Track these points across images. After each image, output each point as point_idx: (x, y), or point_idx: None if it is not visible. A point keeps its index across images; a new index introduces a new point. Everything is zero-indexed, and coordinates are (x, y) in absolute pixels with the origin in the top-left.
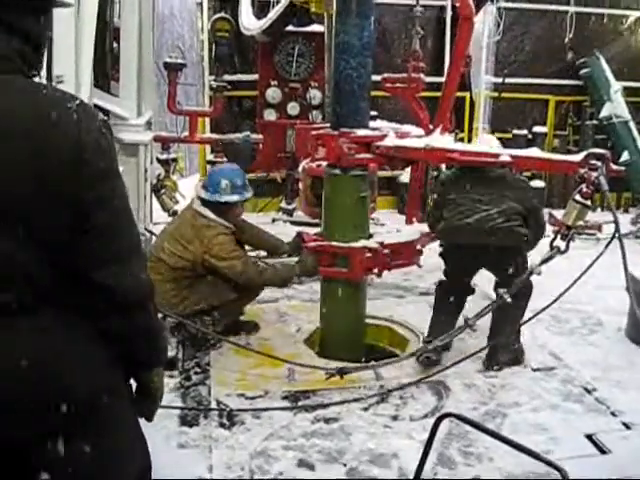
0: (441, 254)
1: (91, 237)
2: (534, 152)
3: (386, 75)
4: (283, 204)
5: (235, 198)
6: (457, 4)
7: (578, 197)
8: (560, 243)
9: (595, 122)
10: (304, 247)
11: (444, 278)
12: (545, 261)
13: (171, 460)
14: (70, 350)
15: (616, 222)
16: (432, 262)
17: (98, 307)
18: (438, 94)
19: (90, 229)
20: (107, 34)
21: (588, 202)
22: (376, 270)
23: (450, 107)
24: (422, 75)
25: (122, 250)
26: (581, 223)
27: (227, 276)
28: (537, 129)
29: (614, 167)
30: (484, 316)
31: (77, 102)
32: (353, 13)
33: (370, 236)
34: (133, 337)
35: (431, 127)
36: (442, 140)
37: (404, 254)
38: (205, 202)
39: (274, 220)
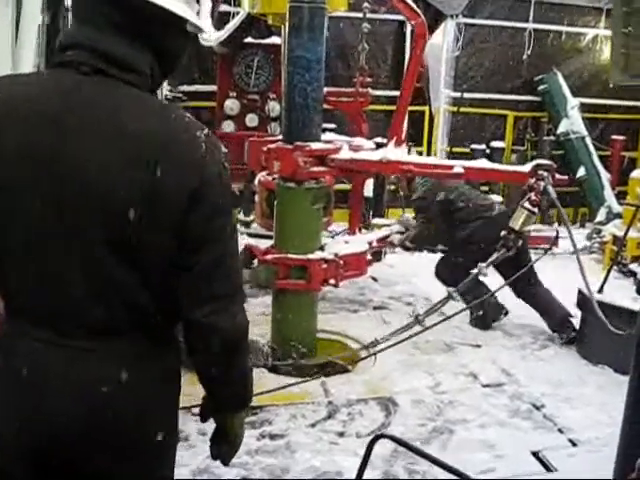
0: None
1: (195, 272)
2: (484, 163)
3: (328, 89)
4: (241, 216)
5: None
6: (412, 22)
7: (527, 204)
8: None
9: (552, 138)
10: (259, 260)
11: None
12: (492, 262)
13: None
14: (151, 384)
15: (569, 231)
16: (386, 277)
17: (194, 346)
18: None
19: (196, 264)
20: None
21: (535, 209)
22: (333, 281)
23: (403, 120)
24: (369, 90)
25: (224, 289)
26: (529, 229)
27: None
28: (495, 144)
29: (558, 177)
30: (433, 313)
31: (205, 132)
32: (308, 28)
33: (321, 248)
34: (225, 379)
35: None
36: (397, 152)
37: (355, 264)
38: None
39: None
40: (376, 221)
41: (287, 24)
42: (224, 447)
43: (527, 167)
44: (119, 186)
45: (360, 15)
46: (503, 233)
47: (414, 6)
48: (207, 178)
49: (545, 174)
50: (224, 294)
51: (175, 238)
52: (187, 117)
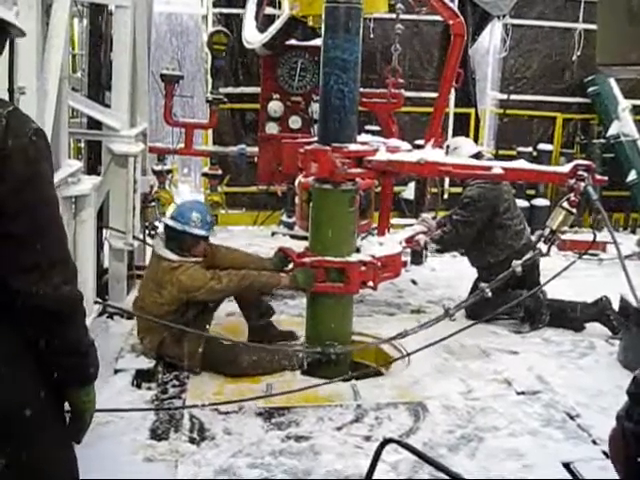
0: None
1: (12, 242)
2: (522, 164)
3: (362, 90)
4: (284, 217)
5: (203, 232)
6: (450, 22)
7: (565, 204)
8: (542, 246)
9: (603, 141)
10: (297, 263)
11: None
12: (526, 261)
13: (134, 474)
14: None
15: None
16: (426, 280)
17: (22, 316)
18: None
19: (11, 235)
20: (102, 46)
21: (574, 210)
22: (371, 283)
23: (441, 121)
24: (402, 91)
25: (44, 258)
26: (565, 229)
27: (214, 300)
28: (542, 147)
29: (599, 177)
30: (462, 308)
31: (9, 108)
32: (344, 29)
33: (357, 250)
34: (55, 351)
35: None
36: (435, 154)
37: (391, 266)
38: (171, 234)
39: (273, 234)
40: (396, 221)
41: (323, 25)
42: (73, 424)
43: (567, 167)
44: None
45: (404, 17)
46: (538, 232)
47: (452, 5)
48: (9, 151)
49: (585, 174)
50: (43, 264)
51: None
52: None
